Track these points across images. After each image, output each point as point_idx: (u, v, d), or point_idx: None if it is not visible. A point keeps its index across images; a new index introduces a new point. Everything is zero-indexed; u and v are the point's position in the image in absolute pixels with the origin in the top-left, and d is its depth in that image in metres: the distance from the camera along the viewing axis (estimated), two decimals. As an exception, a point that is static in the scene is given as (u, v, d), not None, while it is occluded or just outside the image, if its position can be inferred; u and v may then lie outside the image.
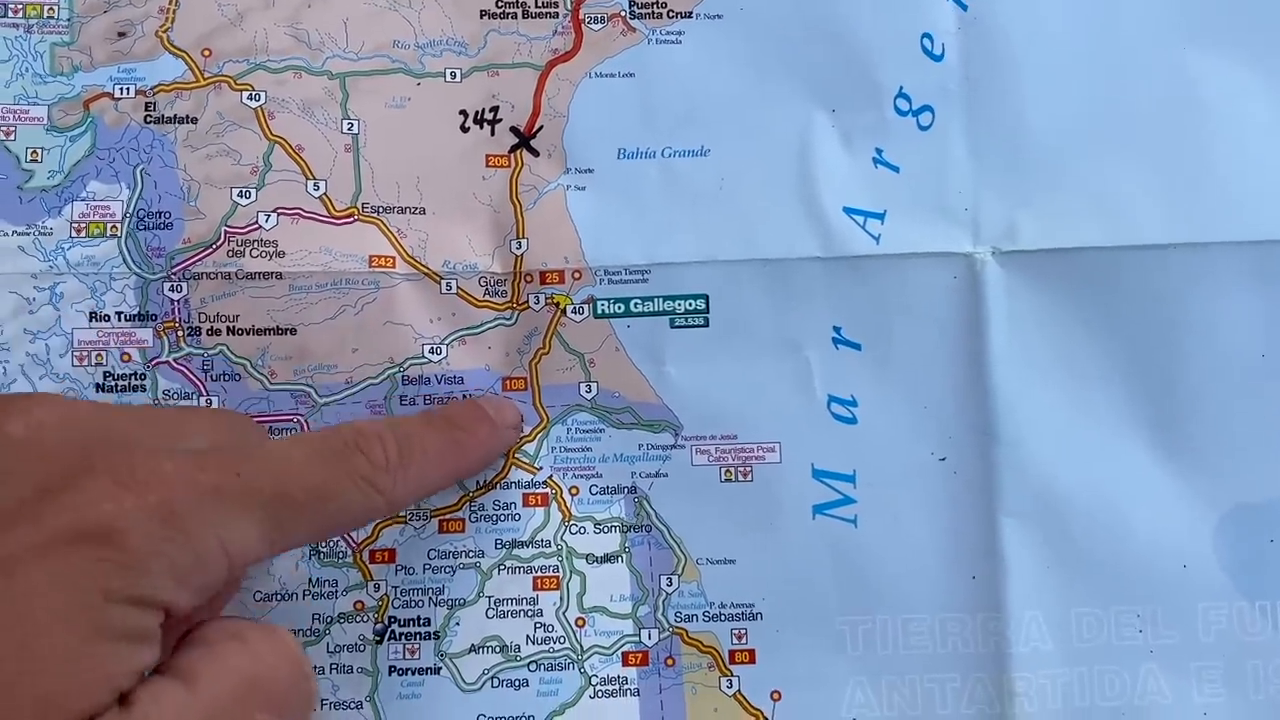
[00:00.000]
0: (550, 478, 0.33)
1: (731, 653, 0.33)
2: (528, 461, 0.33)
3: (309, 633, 0.32)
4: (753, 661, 0.33)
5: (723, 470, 0.33)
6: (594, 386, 0.33)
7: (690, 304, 0.33)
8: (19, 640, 0.19)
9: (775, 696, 0.32)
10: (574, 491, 0.33)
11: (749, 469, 0.33)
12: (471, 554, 0.33)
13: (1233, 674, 0.32)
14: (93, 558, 0.20)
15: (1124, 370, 0.33)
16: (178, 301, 0.32)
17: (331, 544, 0.32)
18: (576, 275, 0.33)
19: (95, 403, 0.25)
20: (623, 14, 0.34)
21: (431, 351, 0.33)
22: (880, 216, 0.34)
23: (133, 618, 0.21)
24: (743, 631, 0.33)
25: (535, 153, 0.34)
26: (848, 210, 0.34)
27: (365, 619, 0.32)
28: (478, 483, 0.33)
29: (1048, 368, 0.33)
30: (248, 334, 0.33)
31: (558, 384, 0.33)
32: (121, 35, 0.32)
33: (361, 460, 0.27)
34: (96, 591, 0.20)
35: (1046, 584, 0.32)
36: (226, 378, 0.33)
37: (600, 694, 0.32)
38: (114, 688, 0.20)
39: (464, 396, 0.33)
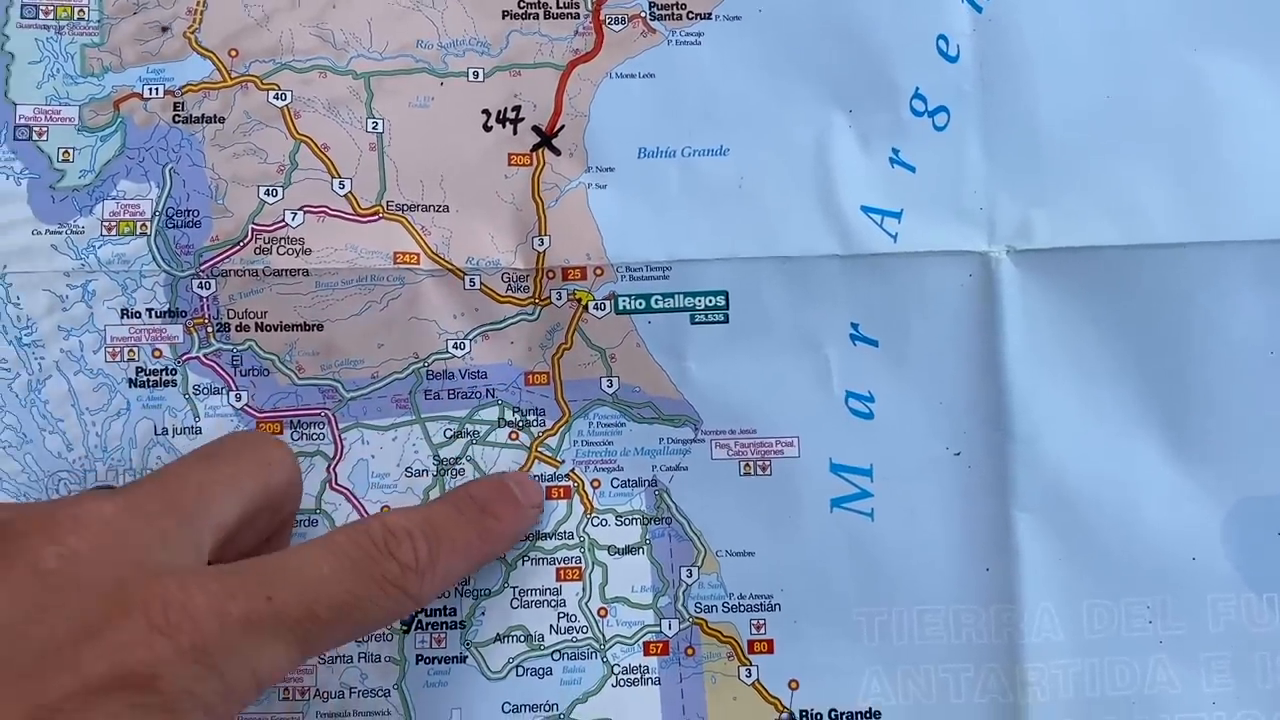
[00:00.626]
0: (572, 471, 0.34)
1: (750, 643, 0.33)
2: (550, 455, 0.34)
3: (337, 623, 0.33)
4: (771, 651, 0.33)
5: (742, 464, 0.34)
6: (615, 381, 0.34)
7: (710, 300, 0.34)
8: None
9: (793, 685, 0.33)
10: (595, 484, 0.34)
11: (768, 463, 0.34)
12: (495, 546, 0.33)
13: (1241, 664, 0.33)
14: (129, 703, 0.21)
15: (1135, 367, 0.34)
16: (206, 298, 0.33)
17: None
18: (598, 272, 0.34)
19: (127, 504, 0.25)
20: (643, 15, 0.35)
21: (455, 346, 0.34)
22: (897, 215, 0.34)
23: None
24: (761, 622, 0.33)
25: (557, 151, 0.35)
26: (865, 209, 0.34)
27: (392, 610, 0.33)
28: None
29: (1061, 364, 0.34)
30: (275, 330, 0.33)
31: (579, 379, 0.34)
32: (165, 30, 0.33)
33: (391, 565, 0.27)
34: None
35: (1058, 576, 0.33)
36: (255, 373, 0.33)
37: (622, 683, 0.33)
38: None
39: (491, 394, 0.34)
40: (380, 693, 0.33)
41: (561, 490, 0.34)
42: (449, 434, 0.34)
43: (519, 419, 0.34)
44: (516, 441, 0.34)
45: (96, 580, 0.23)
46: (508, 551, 0.33)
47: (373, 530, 0.27)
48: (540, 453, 0.34)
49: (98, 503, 0.25)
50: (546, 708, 0.33)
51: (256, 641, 0.23)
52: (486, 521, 0.30)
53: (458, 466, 0.34)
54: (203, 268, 0.33)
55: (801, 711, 0.33)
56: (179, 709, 0.22)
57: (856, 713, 0.33)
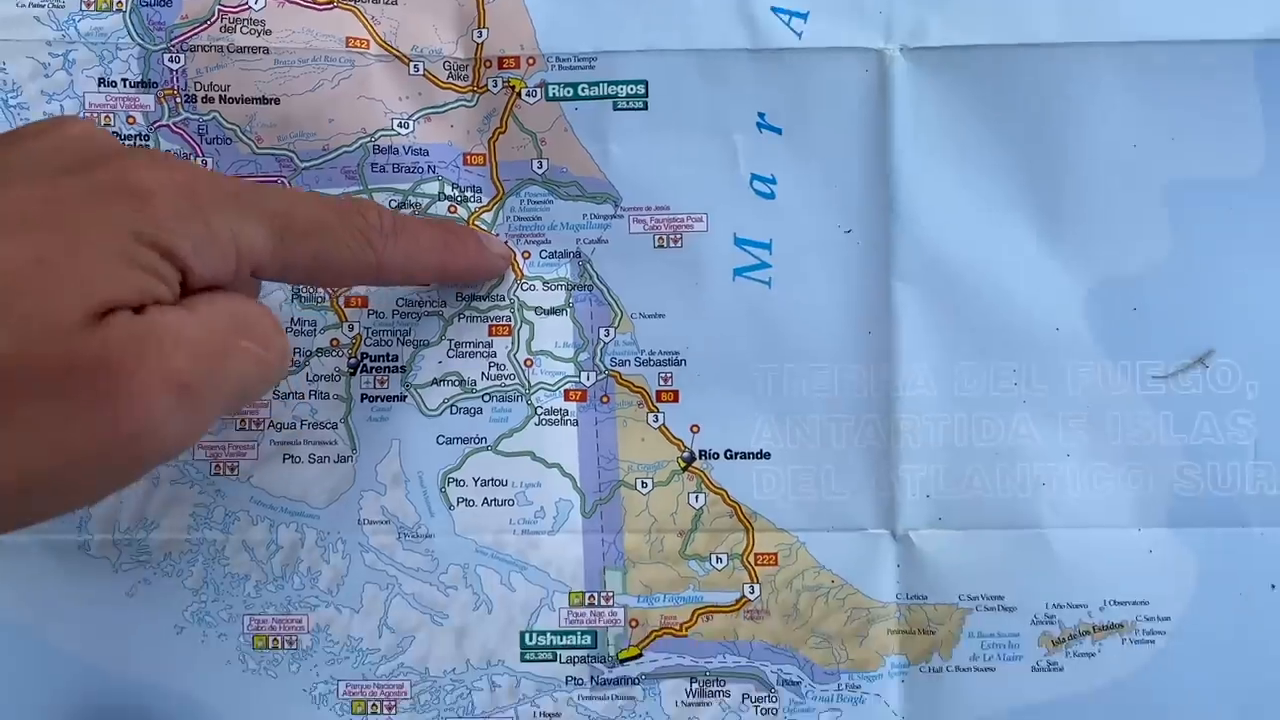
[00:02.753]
0: (505, 243, 0.38)
1: (658, 393, 0.37)
2: (486, 229, 0.38)
3: (291, 364, 0.37)
4: (676, 401, 0.37)
5: (656, 237, 0.38)
6: (545, 163, 0.38)
7: (632, 89, 0.37)
8: (67, 242, 0.24)
9: (694, 429, 0.37)
10: (526, 255, 0.38)
11: (679, 236, 0.37)
12: (435, 304, 0.37)
13: (1094, 423, 0.37)
14: (128, 207, 0.25)
15: (1012, 156, 0.37)
16: (176, 71, 0.37)
17: (311, 289, 0.37)
18: (531, 62, 0.38)
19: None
20: None
21: (400, 126, 0.37)
22: (804, 16, 0.37)
23: (154, 261, 0.25)
24: (669, 375, 0.37)
25: (497, -48, 0.38)
26: (775, 9, 0.37)
27: (340, 354, 0.37)
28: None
29: (944, 152, 0.37)
30: (237, 102, 0.37)
31: (513, 160, 0.38)
32: None
33: (359, 218, 0.30)
34: (128, 231, 0.24)
35: (934, 340, 0.37)
36: (219, 141, 0.37)
37: (544, 422, 0.37)
38: (138, 291, 0.24)
39: (432, 170, 0.37)
40: (328, 425, 0.37)
41: (495, 259, 0.38)
42: (393, 204, 0.37)
43: (457, 194, 0.38)
44: (455, 215, 0.38)
45: (105, 144, 0.26)
46: (471, 278, 0.37)
47: (344, 197, 0.31)
48: (476, 226, 0.38)
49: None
50: (476, 440, 0.37)
51: (240, 214, 0.26)
52: (448, 236, 0.35)
53: (402, 234, 0.37)
54: (173, 43, 0.37)
55: (700, 451, 0.37)
56: (169, 228, 0.25)
57: (749, 453, 0.37)
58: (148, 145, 0.37)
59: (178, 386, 0.24)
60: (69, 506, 0.26)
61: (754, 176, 0.38)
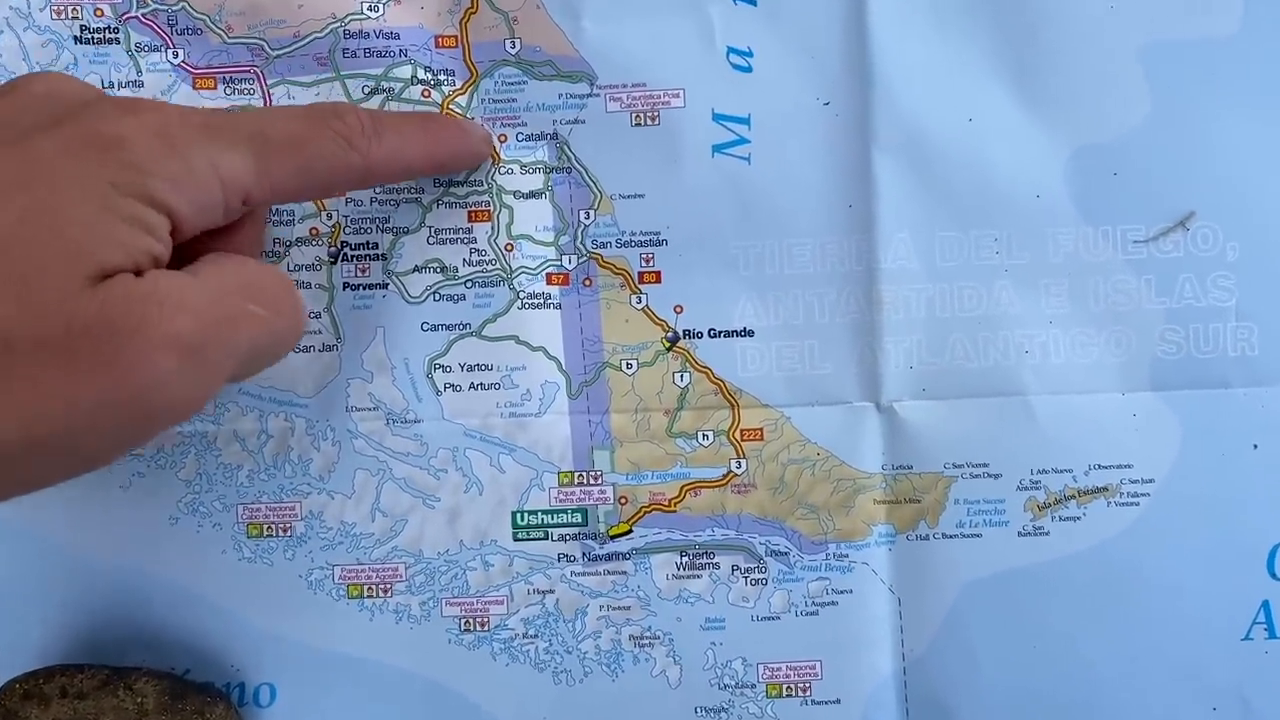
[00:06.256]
0: (483, 125, 0.37)
1: (640, 274, 0.37)
2: (460, 112, 0.37)
3: (270, 254, 0.37)
4: (659, 281, 0.37)
5: (633, 115, 0.37)
6: (518, 42, 0.37)
7: (603, -35, 0.37)
8: (47, 201, 0.24)
9: (678, 310, 0.37)
10: (502, 139, 0.38)
11: (656, 114, 0.37)
12: (413, 191, 0.37)
13: (1076, 289, 0.37)
14: (102, 159, 0.25)
15: (989, 20, 0.37)
16: (141, -40, 0.36)
17: (289, 179, 0.37)
18: (500, -60, 0.37)
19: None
20: None
21: (370, 9, 0.37)
22: (776, -115, 0.37)
23: (139, 209, 0.25)
24: (650, 255, 0.37)
25: None
26: (747, -120, 0.37)
27: (320, 243, 0.37)
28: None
29: (921, 21, 0.37)
30: (205, -10, 0.36)
31: (485, 41, 0.37)
32: None
33: (338, 123, 0.30)
34: (106, 181, 0.24)
35: (914, 210, 0.37)
36: (189, 32, 0.36)
37: (527, 306, 0.37)
38: (128, 253, 0.24)
39: (403, 53, 0.37)
40: (311, 315, 0.37)
41: (472, 144, 0.37)
42: (366, 90, 0.37)
43: (430, 78, 0.37)
44: (429, 99, 0.37)
45: (73, 95, 0.27)
46: (457, 165, 0.36)
47: (322, 103, 0.31)
48: (451, 110, 0.37)
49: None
50: (461, 326, 0.37)
51: (214, 143, 0.27)
52: (429, 123, 0.34)
53: (377, 122, 0.37)
54: (135, -69, 0.36)
55: (685, 330, 0.37)
56: (147, 171, 0.25)
57: (733, 331, 0.37)
58: (117, 38, 0.36)
59: (181, 349, 0.24)
60: (76, 469, 0.26)
61: (730, 49, 0.37)
